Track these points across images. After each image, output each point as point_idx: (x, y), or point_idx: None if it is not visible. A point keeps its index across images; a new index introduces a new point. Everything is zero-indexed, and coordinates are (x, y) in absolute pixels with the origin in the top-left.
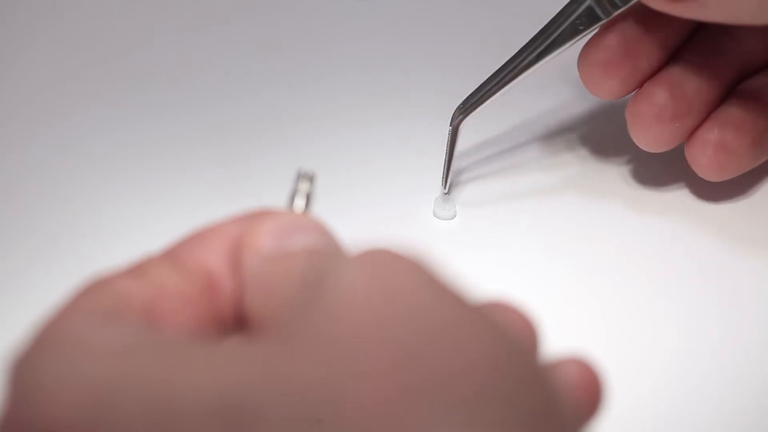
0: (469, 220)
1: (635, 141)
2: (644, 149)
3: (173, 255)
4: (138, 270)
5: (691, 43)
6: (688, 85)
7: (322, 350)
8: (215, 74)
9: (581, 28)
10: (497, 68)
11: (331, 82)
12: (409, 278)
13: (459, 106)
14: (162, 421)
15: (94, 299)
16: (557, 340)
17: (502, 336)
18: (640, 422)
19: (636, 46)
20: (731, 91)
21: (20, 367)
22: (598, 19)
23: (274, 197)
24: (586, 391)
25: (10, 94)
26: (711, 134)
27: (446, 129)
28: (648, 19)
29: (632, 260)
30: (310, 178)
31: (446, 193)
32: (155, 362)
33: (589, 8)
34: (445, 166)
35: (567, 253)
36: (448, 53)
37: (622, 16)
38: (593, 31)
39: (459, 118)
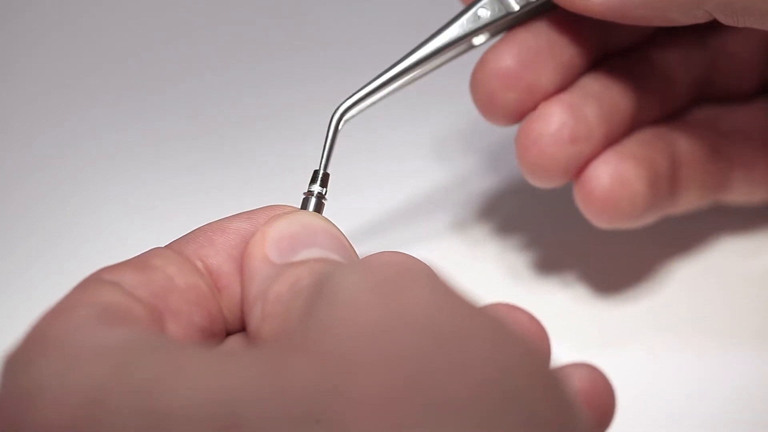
0: None
1: (525, 170)
2: (534, 182)
3: (180, 251)
4: (144, 263)
5: (594, 74)
6: (589, 109)
7: (321, 351)
8: (215, 74)
9: (480, 26)
10: (391, 64)
11: (332, 82)
12: (413, 280)
13: (342, 105)
14: (157, 423)
15: (94, 294)
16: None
17: (509, 337)
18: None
19: (539, 59)
20: (634, 130)
21: (13, 366)
22: (503, 18)
23: (275, 198)
24: (596, 396)
25: (10, 95)
26: (607, 165)
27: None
28: (552, 35)
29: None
30: (324, 178)
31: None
32: (152, 363)
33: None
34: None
35: None
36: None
37: (525, 30)
38: (493, 35)
39: (340, 115)
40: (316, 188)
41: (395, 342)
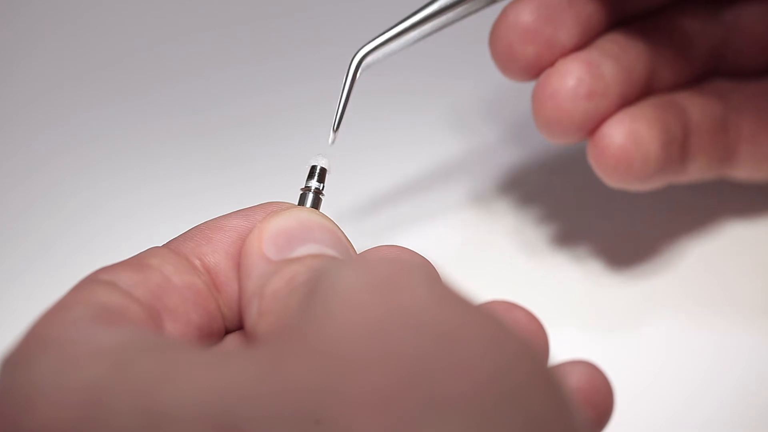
0: None
1: (540, 125)
2: (548, 137)
3: (177, 250)
4: (140, 262)
5: (613, 35)
6: (607, 68)
7: (319, 350)
8: (215, 75)
9: None
10: (411, 12)
11: (332, 82)
12: (411, 277)
13: (361, 50)
14: (155, 423)
15: (90, 294)
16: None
17: (507, 335)
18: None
19: (558, 15)
20: (648, 94)
21: (10, 366)
22: None
23: (275, 198)
24: (594, 393)
25: (10, 95)
26: (621, 124)
27: (446, 130)
28: None
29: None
30: (322, 174)
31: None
32: (149, 362)
33: None
34: (340, 108)
35: None
36: (450, 53)
37: None
38: None
39: (359, 61)
40: (313, 184)
41: (393, 340)
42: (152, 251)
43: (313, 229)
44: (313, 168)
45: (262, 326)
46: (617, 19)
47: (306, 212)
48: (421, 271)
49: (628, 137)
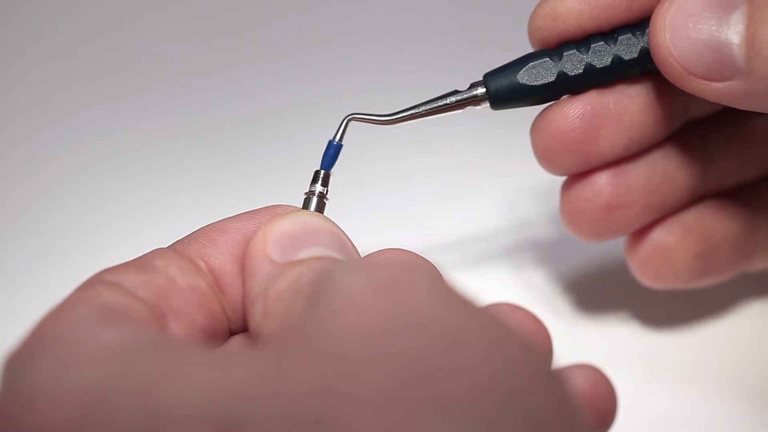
0: None
1: (564, 223)
2: (576, 237)
3: (182, 251)
4: (145, 263)
5: (664, 142)
6: (636, 179)
7: (321, 350)
8: (216, 75)
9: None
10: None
11: (332, 82)
12: (414, 278)
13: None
14: (157, 422)
15: (94, 295)
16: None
17: (510, 336)
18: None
19: (603, 124)
20: (699, 200)
21: (13, 366)
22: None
23: (275, 198)
24: (597, 397)
25: (11, 95)
26: (652, 233)
27: (447, 133)
28: (625, 101)
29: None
30: (325, 178)
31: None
32: (152, 362)
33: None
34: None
35: None
36: (451, 52)
37: (598, 93)
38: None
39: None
40: (318, 188)
41: (395, 341)
42: (157, 252)
43: (317, 232)
44: (317, 172)
45: (266, 327)
46: (675, 125)
47: (310, 215)
48: (424, 272)
49: (655, 250)
